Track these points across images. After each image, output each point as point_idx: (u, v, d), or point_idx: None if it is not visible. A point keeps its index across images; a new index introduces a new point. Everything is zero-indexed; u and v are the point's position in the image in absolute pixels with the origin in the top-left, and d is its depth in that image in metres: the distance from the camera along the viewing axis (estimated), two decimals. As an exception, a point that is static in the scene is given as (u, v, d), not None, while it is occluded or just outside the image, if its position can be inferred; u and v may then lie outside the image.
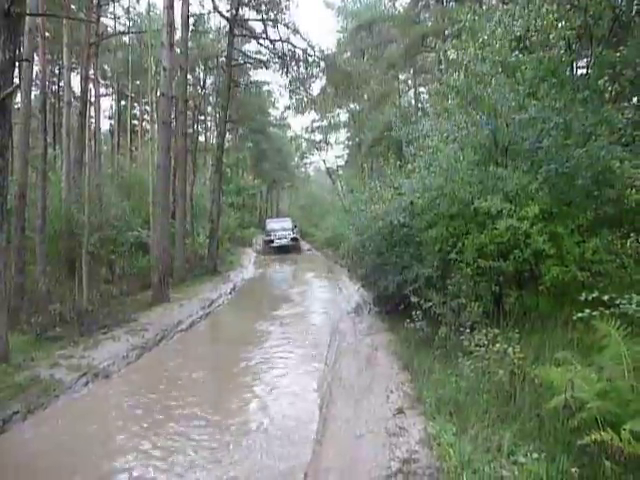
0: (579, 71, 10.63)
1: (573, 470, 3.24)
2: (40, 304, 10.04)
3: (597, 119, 7.75)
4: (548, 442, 3.79)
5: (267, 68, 21.34)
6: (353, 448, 4.55)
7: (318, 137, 42.41)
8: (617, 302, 3.77)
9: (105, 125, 42.03)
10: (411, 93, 32.61)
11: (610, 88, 9.03)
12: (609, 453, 3.42)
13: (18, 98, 15.61)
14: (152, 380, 7.65)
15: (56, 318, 9.12)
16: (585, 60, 10.72)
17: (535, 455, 3.50)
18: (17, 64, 7.82)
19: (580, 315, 3.69)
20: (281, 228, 31.47)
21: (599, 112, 7.94)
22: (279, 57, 20.27)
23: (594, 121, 7.68)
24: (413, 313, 7.39)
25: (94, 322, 9.38)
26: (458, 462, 3.76)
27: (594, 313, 3.63)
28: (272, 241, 30.34)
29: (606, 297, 3.75)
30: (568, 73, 9.95)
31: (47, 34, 18.00)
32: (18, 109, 13.18)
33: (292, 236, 30.82)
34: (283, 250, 29.64)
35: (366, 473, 4.00)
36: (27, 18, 9.38)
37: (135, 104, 42.02)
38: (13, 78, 6.98)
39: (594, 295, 3.86)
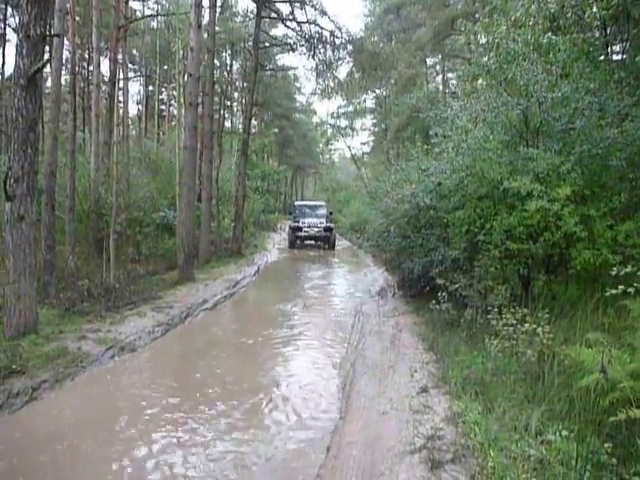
0: (614, 57, 10.34)
1: (604, 449, 3.14)
2: (69, 280, 10.22)
3: (633, 100, 7.51)
4: (578, 422, 3.70)
5: (294, 51, 21.17)
6: (377, 424, 4.52)
7: (344, 123, 42.12)
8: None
9: (133, 110, 42.63)
10: (439, 79, 32.19)
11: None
12: (641, 433, 3.35)
13: (49, 78, 15.85)
14: (177, 355, 7.76)
15: (84, 294, 9.26)
16: (620, 45, 10.42)
17: (565, 433, 3.41)
18: (48, 40, 7.88)
19: (612, 292, 3.56)
20: (313, 213, 25.51)
21: (635, 93, 7.70)
22: (306, 40, 20.07)
23: (630, 102, 7.44)
24: (439, 295, 7.31)
25: (121, 298, 9.52)
26: (484, 440, 3.70)
27: (628, 290, 3.51)
28: (300, 229, 24.29)
29: None
30: (603, 57, 9.68)
31: (77, 18, 18.20)
32: (48, 93, 13.39)
33: (325, 225, 24.42)
34: (313, 242, 25.14)
35: (390, 448, 3.97)
36: (57, -4, 9.47)
37: (163, 89, 42.41)
38: (44, 53, 7.05)
39: (627, 270, 3.74)
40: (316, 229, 24.20)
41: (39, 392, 5.51)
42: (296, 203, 30.24)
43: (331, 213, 26.72)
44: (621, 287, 3.52)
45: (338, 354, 7.41)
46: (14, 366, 5.74)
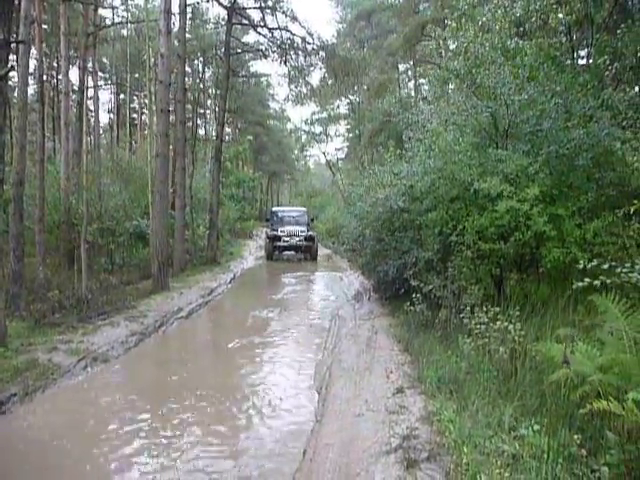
0: (580, 61, 10.61)
1: (574, 441, 3.19)
2: (39, 292, 10.01)
3: (597, 102, 7.70)
4: (549, 417, 3.75)
5: (266, 57, 21.20)
6: (353, 426, 4.52)
7: (318, 129, 42.32)
8: (618, 270, 3.72)
9: (105, 118, 42.07)
10: (411, 84, 32.54)
11: (609, 72, 8.99)
12: (611, 425, 3.41)
13: (16, 89, 15.52)
14: (151, 364, 7.63)
15: (55, 305, 9.08)
16: (585, 50, 10.72)
17: (537, 427, 3.46)
18: (14, 47, 7.74)
19: (579, 284, 3.63)
20: (293, 221, 23.07)
21: (599, 95, 7.90)
22: (278, 46, 20.13)
23: (594, 104, 7.62)
24: (413, 296, 7.36)
25: (93, 309, 9.35)
26: (458, 437, 3.73)
27: (594, 282, 3.58)
28: (278, 238, 21.98)
29: (606, 265, 3.70)
30: (569, 61, 9.93)
31: (44, 25, 17.94)
32: (15, 103, 13.13)
33: (307, 234, 22.21)
34: (293, 252, 23.08)
35: (366, 449, 3.97)
36: (22, 3, 9.31)
37: (134, 97, 41.99)
38: (8, 59, 6.92)
39: (594, 263, 3.82)
40: (297, 238, 21.87)
41: (8, 406, 5.36)
42: (274, 209, 27.16)
43: (312, 220, 24.87)
44: (587, 280, 3.59)
45: (314, 358, 7.39)
46: (-19, 380, 5.59)
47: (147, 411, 5.57)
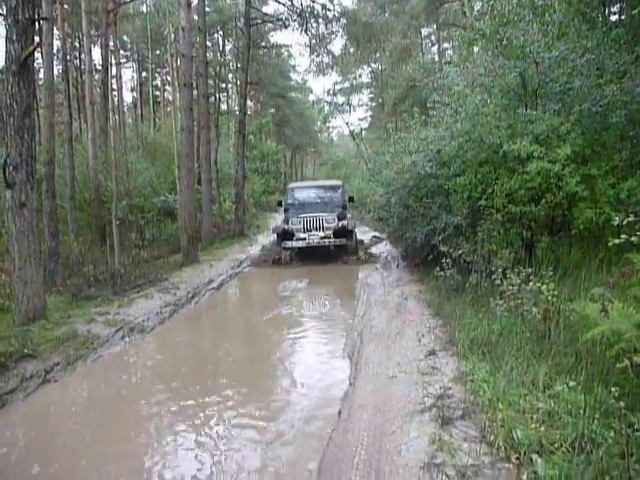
0: (612, 17, 10.20)
1: (612, 393, 3.17)
2: (74, 268, 10.30)
3: (632, 57, 7.42)
4: (585, 375, 3.74)
5: (286, 27, 20.90)
6: (386, 387, 4.57)
7: (340, 100, 41.78)
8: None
9: (128, 97, 42.33)
10: (434, 49, 31.79)
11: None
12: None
13: (41, 70, 15.67)
14: (186, 334, 7.83)
15: (90, 280, 9.34)
16: (617, 5, 10.28)
17: (572, 384, 3.45)
18: (37, 26, 7.81)
19: (615, 241, 3.56)
20: (320, 204, 14.35)
21: (633, 50, 7.60)
22: (298, 14, 19.82)
23: (629, 59, 7.35)
24: (442, 262, 7.32)
25: (127, 282, 9.58)
26: (492, 396, 3.74)
27: (631, 238, 3.50)
28: (290, 235, 13.67)
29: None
30: (600, 17, 9.55)
31: (65, 5, 17.97)
32: (42, 85, 13.30)
33: (336, 224, 13.54)
34: (317, 256, 13.71)
35: (400, 409, 4.02)
36: (44, -19, 9.36)
37: (156, 74, 42.04)
38: (34, 38, 7.00)
39: (630, 219, 3.74)
40: (320, 234, 13.44)
41: (52, 374, 5.58)
42: (291, 185, 16.74)
43: (352, 200, 15.64)
44: (624, 236, 3.52)
45: (346, 325, 7.46)
46: (26, 350, 5.83)
47: (186, 377, 5.74)
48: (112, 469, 3.75)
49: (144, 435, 4.35)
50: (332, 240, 13.25)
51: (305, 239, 13.36)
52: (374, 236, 17.56)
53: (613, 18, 10.19)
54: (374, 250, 14.84)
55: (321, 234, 13.35)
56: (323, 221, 13.51)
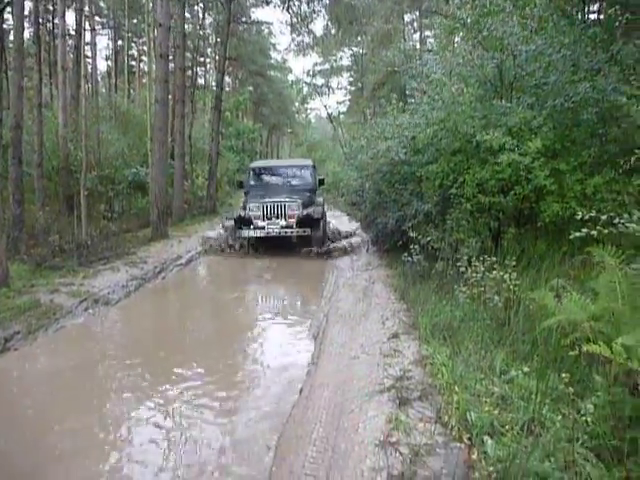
0: (591, 16, 10.37)
1: (562, 379, 3.29)
2: (39, 237, 10.08)
3: (606, 56, 7.55)
4: (540, 362, 3.86)
5: (268, 4, 20.72)
6: (348, 367, 4.64)
7: (320, 81, 41.43)
8: (616, 221, 3.76)
9: (102, 65, 41.22)
10: (416, 36, 31.73)
11: (619, 23, 8.78)
12: (598, 370, 3.52)
13: (11, 31, 15.09)
14: (151, 308, 7.78)
15: (55, 249, 9.17)
16: (597, 4, 10.45)
17: (526, 369, 3.57)
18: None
19: (578, 234, 3.66)
20: (285, 187, 13.02)
21: (609, 49, 7.73)
22: (280, -9, 19.56)
23: (603, 58, 7.48)
24: (411, 248, 7.42)
25: (94, 254, 9.44)
26: (450, 379, 3.84)
27: (592, 232, 3.61)
28: (247, 222, 11.68)
29: (604, 217, 3.73)
30: (579, 14, 9.68)
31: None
32: (11, 47, 12.83)
33: (301, 212, 11.54)
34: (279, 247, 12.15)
35: (360, 389, 4.09)
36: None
37: (133, 43, 40.96)
38: (4, -4, 6.74)
39: (592, 214, 3.86)
40: (282, 223, 11.52)
41: (12, 343, 5.50)
42: (253, 165, 14.87)
43: (322, 182, 14.24)
44: (585, 230, 3.62)
45: (312, 306, 7.51)
46: (-16, 317, 5.71)
47: (147, 350, 5.71)
48: (71, 440, 3.73)
49: (103, 407, 4.33)
50: (294, 230, 11.48)
51: (264, 228, 11.43)
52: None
53: (592, 17, 10.37)
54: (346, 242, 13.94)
55: (282, 223, 11.44)
56: (286, 208, 11.52)
